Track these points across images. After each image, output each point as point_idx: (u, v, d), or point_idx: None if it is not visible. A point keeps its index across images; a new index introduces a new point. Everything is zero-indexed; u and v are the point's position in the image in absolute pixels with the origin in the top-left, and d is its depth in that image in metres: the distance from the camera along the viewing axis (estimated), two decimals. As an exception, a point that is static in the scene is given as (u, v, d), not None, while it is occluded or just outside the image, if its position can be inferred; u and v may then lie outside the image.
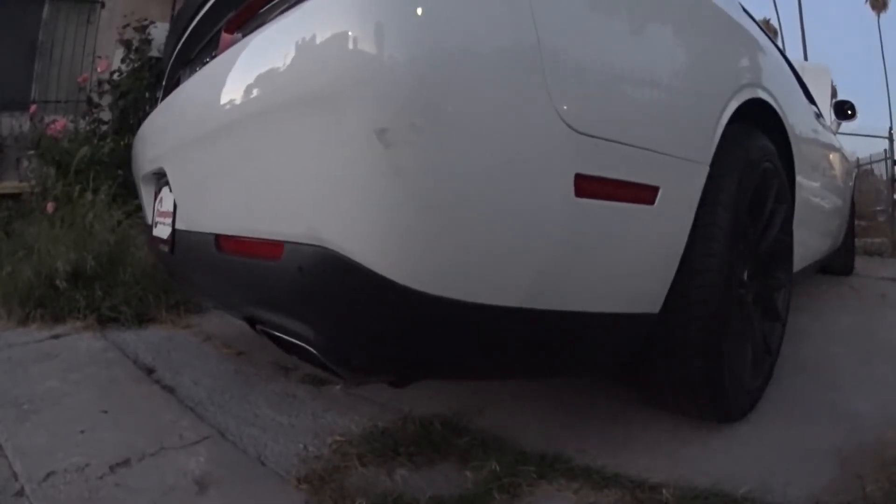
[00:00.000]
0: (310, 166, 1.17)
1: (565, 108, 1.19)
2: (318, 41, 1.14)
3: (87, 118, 5.00)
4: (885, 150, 13.02)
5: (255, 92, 1.31)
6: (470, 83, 1.10)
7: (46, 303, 3.12)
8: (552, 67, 1.18)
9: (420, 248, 1.13)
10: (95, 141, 4.74)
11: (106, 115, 5.07)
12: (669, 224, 1.49)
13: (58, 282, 3.14)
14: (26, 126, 4.92)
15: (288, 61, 1.20)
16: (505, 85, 1.14)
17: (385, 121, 1.05)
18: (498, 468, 1.51)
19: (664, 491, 1.38)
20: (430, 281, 1.14)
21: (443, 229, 1.12)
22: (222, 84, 1.44)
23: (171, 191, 1.89)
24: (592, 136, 1.24)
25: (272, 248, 1.27)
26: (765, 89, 1.96)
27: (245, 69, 1.37)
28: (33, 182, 4.34)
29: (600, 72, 1.31)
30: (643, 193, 1.39)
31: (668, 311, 1.54)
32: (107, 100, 5.11)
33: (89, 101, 5.09)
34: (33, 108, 5.00)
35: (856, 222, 5.17)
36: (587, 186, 1.24)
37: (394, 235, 1.11)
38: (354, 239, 1.13)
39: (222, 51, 1.58)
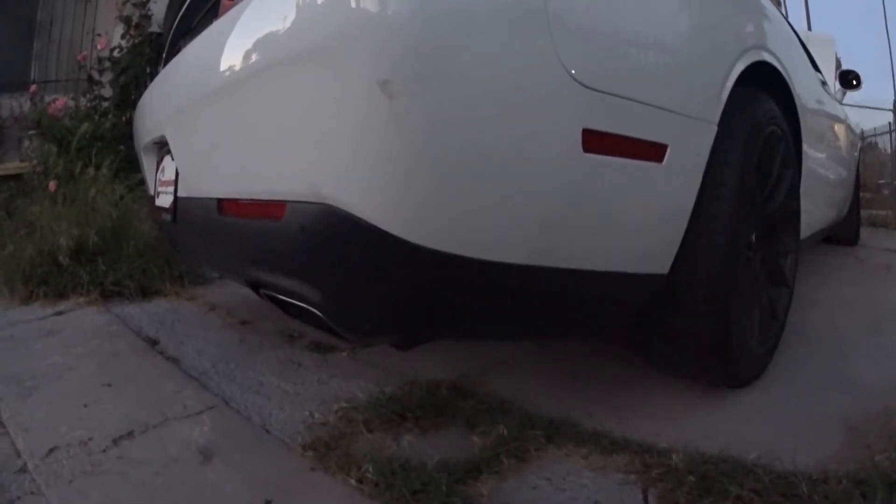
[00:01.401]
0: (311, 123, 1.16)
1: (572, 61, 1.17)
2: (320, -3, 1.13)
3: (87, 96, 4.98)
4: (890, 123, 13.00)
5: (257, 50, 1.29)
6: (475, 36, 1.09)
7: (49, 280, 3.11)
8: (559, 20, 1.16)
9: (425, 202, 1.11)
10: (97, 117, 4.72)
11: (107, 92, 5.04)
12: (678, 183, 1.47)
13: (60, 258, 3.13)
14: (27, 106, 4.90)
15: (290, 18, 1.19)
16: (511, 38, 1.12)
17: (389, 72, 1.04)
18: (505, 432, 1.50)
19: (673, 456, 1.38)
20: (436, 236, 1.13)
21: (448, 184, 1.11)
22: (223, 45, 1.43)
23: (172, 159, 1.88)
24: (600, 91, 1.22)
25: (275, 208, 1.26)
26: (770, 52, 1.94)
27: (246, 28, 1.35)
28: (35, 161, 4.32)
29: (608, 27, 1.30)
30: (651, 150, 1.38)
31: (677, 271, 1.53)
32: (107, 76, 5.07)
33: (90, 78, 5.05)
34: (33, 87, 4.98)
35: (860, 194, 5.16)
36: (595, 141, 1.23)
37: (398, 190, 1.10)
38: (357, 194, 1.12)
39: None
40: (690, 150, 1.49)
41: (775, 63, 1.98)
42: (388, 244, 1.11)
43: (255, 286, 1.56)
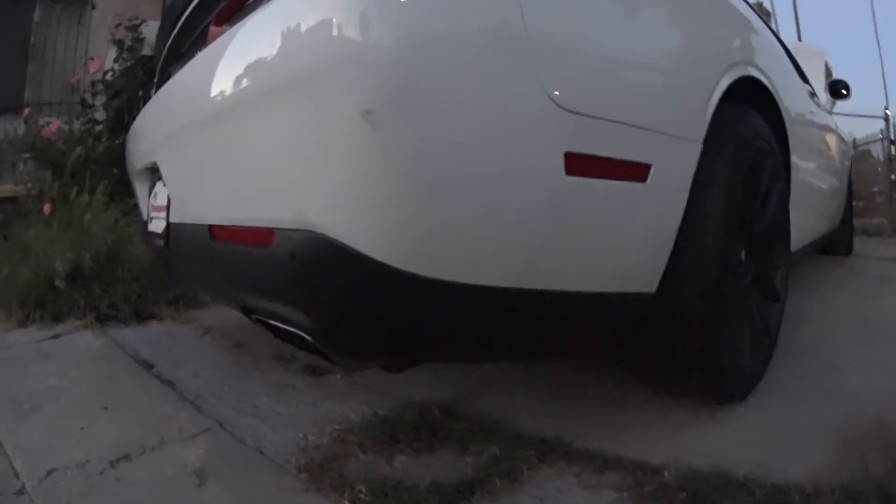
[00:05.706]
0: (298, 152, 1.17)
1: (553, 85, 1.18)
2: (304, 28, 1.15)
3: (81, 119, 4.97)
4: (882, 131, 12.99)
5: (243, 80, 1.31)
6: (457, 65, 1.10)
7: (46, 303, 3.11)
8: (540, 46, 1.18)
9: (410, 229, 1.12)
10: (90, 141, 4.69)
11: (100, 115, 5.03)
12: (663, 202, 1.48)
13: (57, 282, 3.13)
14: (21, 129, 4.89)
15: (275, 48, 1.21)
16: (492, 65, 1.13)
17: (372, 102, 1.05)
18: (498, 453, 1.51)
19: (665, 473, 1.38)
20: (421, 262, 1.14)
21: (432, 210, 1.12)
22: (211, 74, 1.45)
23: (164, 185, 1.89)
24: (581, 114, 1.24)
25: (264, 235, 1.27)
26: (757, 67, 1.95)
27: (233, 58, 1.37)
28: (29, 185, 4.32)
29: (588, 49, 1.31)
30: (635, 171, 1.38)
31: (665, 290, 1.53)
32: (100, 100, 5.06)
33: (83, 101, 5.04)
34: (27, 110, 4.98)
35: (854, 203, 5.16)
36: (577, 164, 1.23)
37: (383, 218, 1.11)
38: (344, 222, 1.13)
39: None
40: (675, 169, 1.50)
41: (762, 77, 1.99)
42: (375, 270, 1.12)
43: (247, 311, 1.57)
